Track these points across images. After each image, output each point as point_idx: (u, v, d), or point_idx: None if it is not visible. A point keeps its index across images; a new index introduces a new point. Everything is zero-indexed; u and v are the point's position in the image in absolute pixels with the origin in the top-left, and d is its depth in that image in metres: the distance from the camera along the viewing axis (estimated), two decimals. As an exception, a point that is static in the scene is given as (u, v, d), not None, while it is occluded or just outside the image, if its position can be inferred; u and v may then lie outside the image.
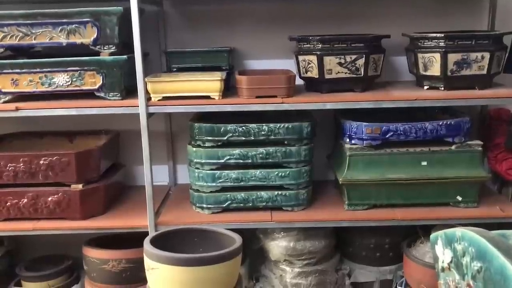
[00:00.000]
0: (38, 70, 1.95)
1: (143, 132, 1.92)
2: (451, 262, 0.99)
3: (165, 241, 1.55)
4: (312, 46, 2.02)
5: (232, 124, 2.02)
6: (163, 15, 2.33)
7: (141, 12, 2.00)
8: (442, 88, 2.03)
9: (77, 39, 1.94)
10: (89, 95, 1.99)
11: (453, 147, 2.03)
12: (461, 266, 0.95)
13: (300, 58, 2.08)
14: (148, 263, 1.38)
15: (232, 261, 1.38)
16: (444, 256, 1.01)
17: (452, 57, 1.96)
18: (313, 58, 2.01)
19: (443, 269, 1.03)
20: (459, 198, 2.06)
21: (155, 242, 1.47)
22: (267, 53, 2.34)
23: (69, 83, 1.97)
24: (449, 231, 1.00)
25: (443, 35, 1.96)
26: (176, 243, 1.58)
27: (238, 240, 1.50)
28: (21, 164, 1.99)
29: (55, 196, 2.02)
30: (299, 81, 2.12)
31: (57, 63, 1.95)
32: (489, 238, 0.86)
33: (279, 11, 2.32)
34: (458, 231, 0.95)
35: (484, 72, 1.99)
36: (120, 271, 2.05)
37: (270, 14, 2.32)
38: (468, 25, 2.27)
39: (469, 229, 0.92)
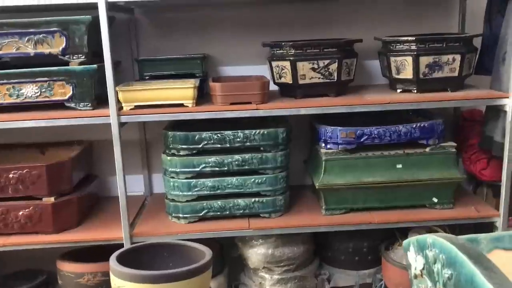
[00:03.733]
0: (5, 81, 1.90)
1: (115, 142, 1.89)
2: (423, 269, 0.99)
3: (134, 257, 1.51)
4: (285, 51, 2.01)
5: (207, 132, 1.99)
6: (135, 22, 2.30)
7: (111, 20, 1.97)
8: (415, 91, 2.04)
9: (45, 49, 1.89)
10: (59, 105, 1.95)
11: (427, 149, 2.05)
12: (432, 273, 0.95)
13: (274, 64, 2.07)
14: (114, 281, 1.34)
15: (201, 276, 1.35)
16: (417, 263, 1.01)
17: (424, 60, 1.98)
18: (287, 64, 2.00)
19: (415, 276, 1.02)
20: (435, 200, 2.07)
21: (123, 259, 1.44)
22: (241, 59, 2.33)
23: (38, 94, 1.93)
24: (420, 237, 0.99)
25: (414, 38, 1.98)
26: (147, 258, 1.55)
27: (207, 254, 1.47)
28: (-10, 178, 1.94)
29: (26, 210, 1.97)
30: (273, 87, 2.12)
31: (25, 74, 1.90)
32: (459, 245, 0.86)
33: (252, 17, 2.31)
34: (429, 237, 0.94)
35: (456, 74, 2.01)
36: (96, 285, 2.00)
37: (243, 20, 2.31)
38: (439, 28, 2.30)
39: (440, 236, 0.92)
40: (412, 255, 1.04)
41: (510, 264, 1.01)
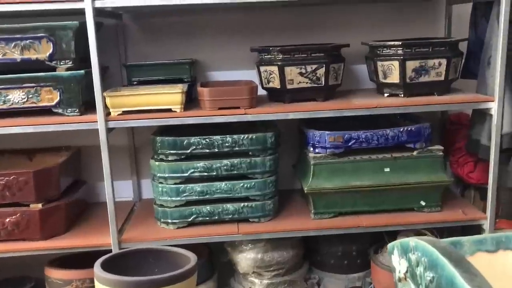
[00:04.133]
0: (-9, 87, 1.89)
1: (102, 147, 1.88)
2: (407, 272, 0.99)
3: (120, 263, 1.51)
4: (273, 56, 2.02)
5: (196, 137, 1.99)
6: (123, 28, 2.30)
7: (99, 25, 1.97)
8: (402, 95, 2.06)
9: (32, 55, 1.89)
10: (47, 111, 1.94)
11: (414, 153, 2.06)
12: (415, 276, 0.95)
13: (262, 68, 2.08)
14: (98, 287, 1.34)
15: (185, 282, 1.35)
16: (400, 266, 1.02)
17: (410, 64, 1.99)
18: (275, 69, 2.01)
19: (400, 279, 1.03)
20: (423, 203, 2.09)
21: (110, 265, 1.43)
22: (229, 64, 2.33)
23: (25, 100, 1.92)
24: (404, 241, 1.00)
25: (400, 43, 1.99)
26: (132, 264, 1.54)
27: (192, 259, 1.47)
28: (-24, 185, 1.92)
29: (13, 216, 1.95)
30: (262, 92, 2.12)
31: (11, 79, 1.89)
32: (441, 248, 0.86)
33: (240, 22, 2.32)
34: (412, 241, 0.95)
35: (442, 78, 2.03)
36: (84, 291, 1.99)
37: (232, 25, 2.32)
38: (426, 33, 2.32)
39: (422, 239, 0.93)
40: (396, 258, 1.04)
41: (492, 267, 1.02)
